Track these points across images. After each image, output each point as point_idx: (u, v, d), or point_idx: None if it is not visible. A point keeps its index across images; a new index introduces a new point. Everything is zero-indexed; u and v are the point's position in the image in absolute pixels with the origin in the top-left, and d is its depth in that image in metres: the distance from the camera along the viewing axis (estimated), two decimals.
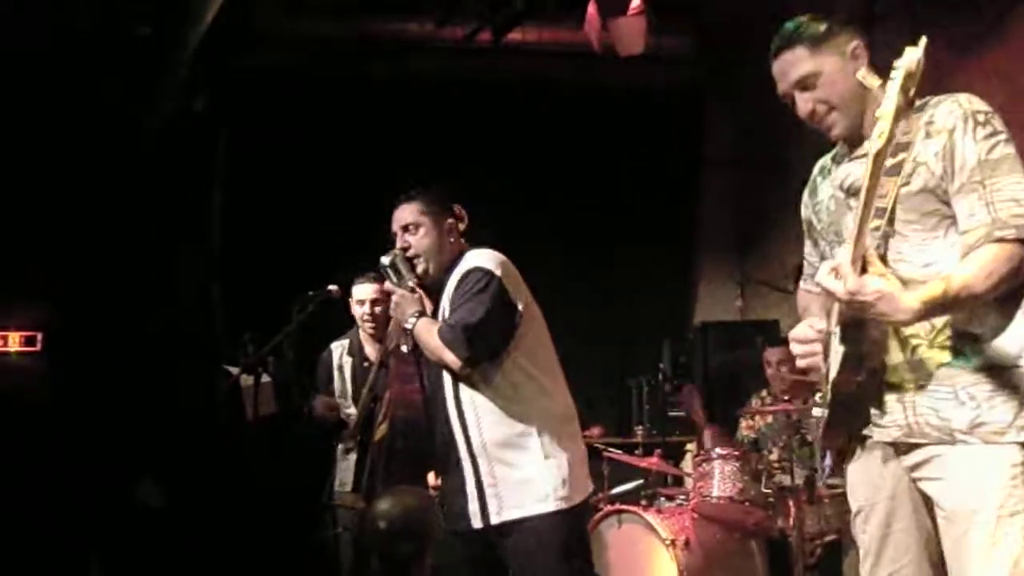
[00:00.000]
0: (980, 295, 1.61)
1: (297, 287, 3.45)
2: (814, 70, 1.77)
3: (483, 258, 2.43)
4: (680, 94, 6.44)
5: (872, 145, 1.52)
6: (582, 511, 2.44)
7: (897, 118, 1.51)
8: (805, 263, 2.14)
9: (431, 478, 2.59)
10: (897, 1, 4.71)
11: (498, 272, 2.40)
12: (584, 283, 5.76)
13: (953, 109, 1.70)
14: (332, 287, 3.47)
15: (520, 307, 2.40)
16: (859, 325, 1.69)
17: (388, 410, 3.21)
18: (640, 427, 4.66)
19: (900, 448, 1.75)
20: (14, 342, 4.82)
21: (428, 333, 2.38)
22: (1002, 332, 1.67)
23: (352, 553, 3.21)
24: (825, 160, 2.00)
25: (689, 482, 4.07)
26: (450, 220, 2.53)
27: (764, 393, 4.38)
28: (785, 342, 4.73)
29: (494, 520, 2.31)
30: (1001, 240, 1.61)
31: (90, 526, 4.06)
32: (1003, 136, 1.70)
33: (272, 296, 3.57)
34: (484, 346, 2.32)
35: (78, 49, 4.69)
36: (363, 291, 3.58)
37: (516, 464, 2.32)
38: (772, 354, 4.35)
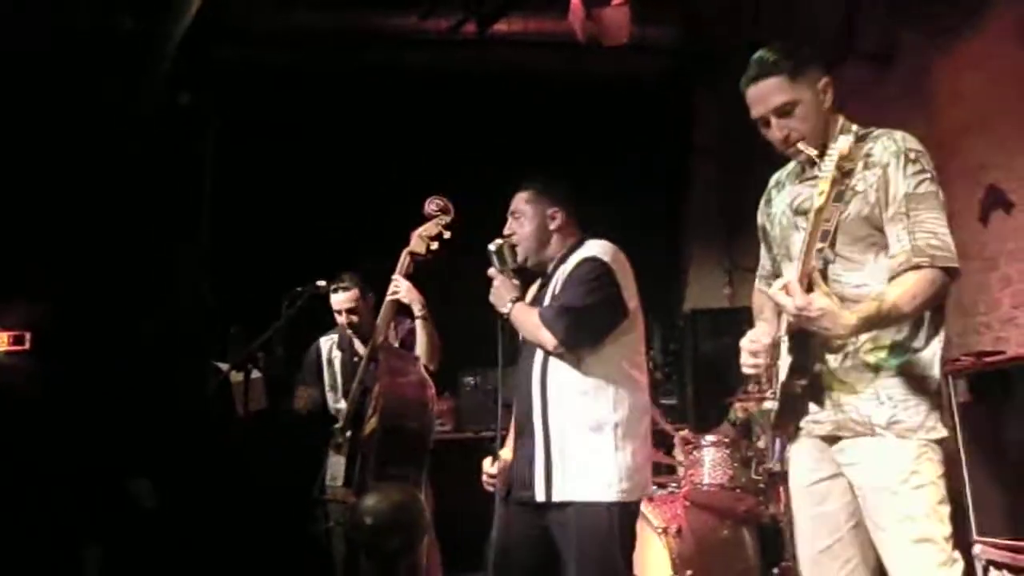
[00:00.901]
0: (907, 314, 1.88)
1: (286, 282, 3.45)
2: (793, 99, 1.99)
3: (600, 249, 2.48)
4: (668, 83, 6.44)
5: (815, 201, 1.78)
6: (636, 509, 2.48)
7: (832, 187, 1.75)
8: (760, 264, 2.36)
9: (487, 463, 2.59)
10: None
11: (614, 266, 2.45)
12: None
13: (889, 145, 1.95)
14: (321, 282, 3.47)
15: (629, 303, 2.46)
16: (804, 337, 1.94)
17: (378, 403, 3.21)
18: None
19: (830, 440, 2.03)
20: (2, 341, 4.80)
21: (525, 315, 2.45)
22: (920, 345, 1.95)
23: (344, 547, 3.21)
24: (780, 174, 2.25)
25: (680, 470, 4.09)
26: (553, 210, 2.56)
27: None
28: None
29: (556, 497, 2.35)
30: (918, 267, 1.87)
31: (82, 525, 4.06)
32: (929, 175, 1.94)
33: (262, 291, 3.57)
34: (582, 332, 2.37)
35: (63, 45, 4.65)
36: (337, 301, 3.58)
37: (588, 448, 2.36)
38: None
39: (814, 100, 2.00)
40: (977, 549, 2.99)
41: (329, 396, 3.63)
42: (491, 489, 2.56)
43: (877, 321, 1.87)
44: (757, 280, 2.37)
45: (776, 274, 2.23)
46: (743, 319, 5.56)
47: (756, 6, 5.82)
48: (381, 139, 5.60)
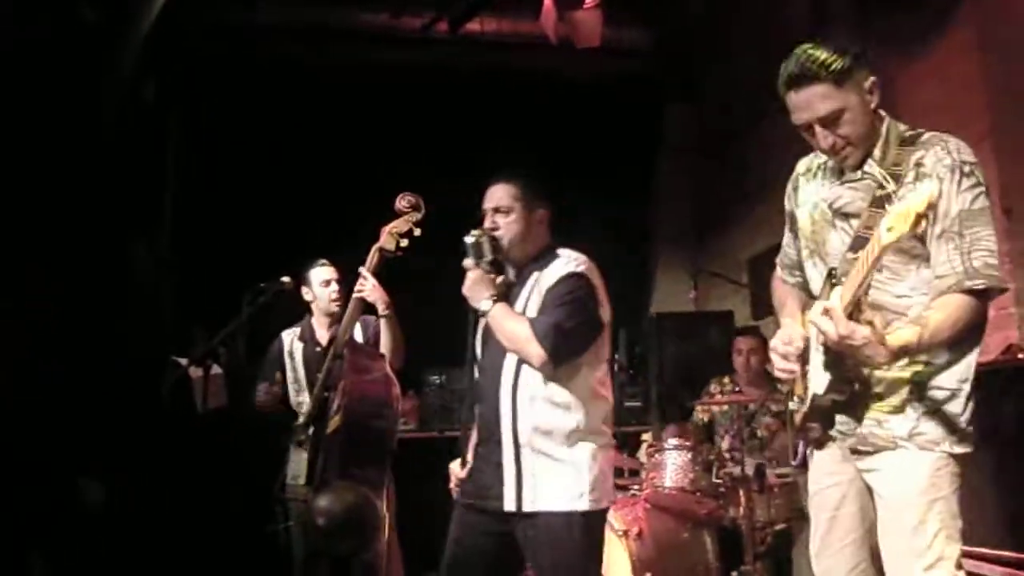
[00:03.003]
0: (946, 341, 1.84)
1: (249, 278, 3.41)
2: (840, 107, 1.85)
3: (582, 264, 2.46)
4: (639, 86, 6.48)
5: (884, 237, 1.62)
6: (605, 516, 2.48)
7: (910, 227, 1.60)
8: (783, 252, 2.26)
9: (455, 465, 2.56)
10: (847, 4, 4.80)
11: (594, 282, 2.45)
12: None
13: (943, 157, 1.86)
14: (285, 278, 3.44)
15: (603, 319, 2.46)
16: (842, 359, 1.89)
17: (342, 401, 3.18)
18: None
19: (854, 451, 2.02)
20: None
21: (509, 319, 2.40)
22: (948, 365, 1.91)
23: (304, 546, 3.18)
24: (810, 161, 2.12)
25: (642, 473, 4.11)
26: (542, 211, 2.54)
27: (726, 380, 4.43)
28: (740, 332, 4.81)
29: (527, 508, 2.34)
30: (970, 291, 1.82)
31: (31, 524, 3.96)
32: (984, 189, 1.86)
33: (223, 287, 3.52)
34: (569, 350, 2.37)
35: (24, 38, 4.55)
36: (325, 272, 3.61)
37: (558, 457, 2.35)
38: (743, 343, 4.36)
39: (861, 104, 1.88)
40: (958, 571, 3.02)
41: (291, 389, 3.59)
42: (457, 492, 2.54)
43: (916, 350, 1.83)
44: (778, 268, 2.28)
45: (800, 266, 2.16)
46: (708, 323, 5.65)
47: (728, 12, 5.89)
48: (349, 136, 5.56)
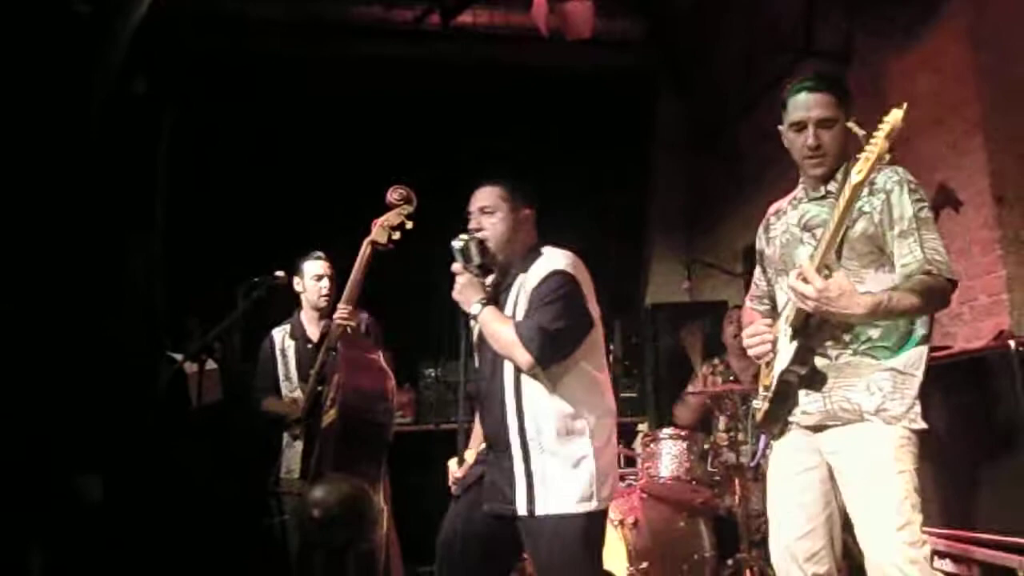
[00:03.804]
0: (916, 306, 2.07)
1: (242, 271, 3.41)
2: (835, 117, 2.22)
3: (565, 261, 2.44)
4: (632, 78, 6.48)
5: (853, 179, 1.95)
6: (607, 511, 2.48)
7: (879, 159, 1.91)
8: (753, 285, 2.56)
9: (452, 464, 2.58)
10: None
11: (578, 277, 2.44)
12: None
13: (892, 176, 2.19)
14: (279, 273, 3.44)
15: (593, 314, 2.45)
16: (808, 329, 2.16)
17: (337, 395, 3.18)
18: None
19: (818, 429, 2.23)
20: None
21: (497, 323, 2.40)
22: (911, 346, 2.18)
23: (298, 540, 3.19)
24: (781, 204, 2.45)
25: (638, 462, 4.13)
26: (527, 212, 2.54)
27: (716, 361, 4.44)
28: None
29: (539, 511, 2.33)
30: (930, 272, 2.10)
31: (28, 521, 3.97)
32: (927, 203, 2.20)
33: (216, 280, 3.52)
34: (557, 350, 2.36)
35: (15, 30, 4.52)
36: (318, 266, 3.61)
37: (567, 458, 2.35)
38: (735, 313, 4.30)
39: (843, 129, 2.21)
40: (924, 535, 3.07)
41: (283, 386, 3.58)
42: (457, 492, 2.55)
43: (889, 308, 2.05)
44: (748, 300, 2.57)
45: (770, 295, 2.46)
46: (702, 313, 5.66)
47: (719, 4, 5.88)
48: (341, 129, 5.55)
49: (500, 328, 2.38)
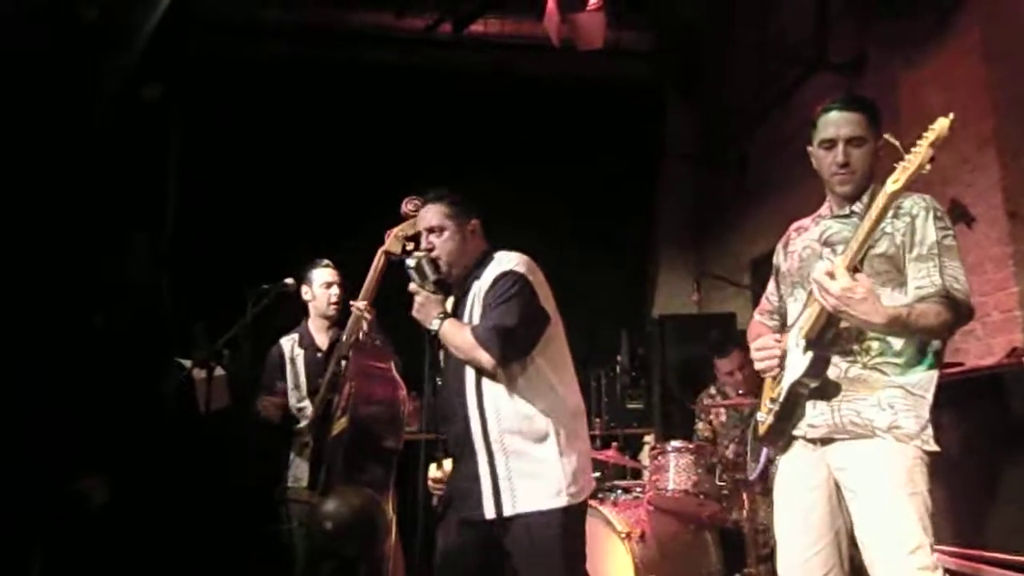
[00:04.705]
0: (932, 327, 2.07)
1: (250, 277, 3.40)
2: (865, 136, 2.23)
3: (515, 262, 2.49)
4: (641, 89, 6.48)
5: (888, 187, 1.95)
6: (585, 508, 2.50)
7: (919, 168, 1.90)
8: (764, 299, 2.54)
9: (432, 469, 2.61)
10: (847, 8, 4.79)
11: (530, 277, 2.48)
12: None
13: (919, 201, 2.20)
14: (288, 280, 3.43)
15: (547, 308, 2.49)
16: (824, 341, 2.14)
17: (347, 404, 3.17)
18: (598, 419, 4.68)
19: (825, 442, 2.19)
20: None
21: (456, 333, 2.45)
22: (922, 367, 2.15)
23: (305, 548, 3.17)
24: (804, 221, 2.44)
25: (645, 475, 4.11)
26: (473, 222, 2.59)
27: (713, 391, 4.42)
28: (739, 345, 4.81)
29: (507, 512, 2.36)
30: (948, 298, 2.09)
31: (32, 524, 3.96)
32: (953, 232, 2.20)
33: (224, 286, 3.52)
34: (517, 347, 2.40)
35: (25, 35, 4.55)
36: (327, 274, 3.60)
37: (531, 458, 2.38)
38: (723, 365, 4.31)
39: (872, 151, 2.25)
40: (934, 557, 3.05)
41: (292, 396, 3.57)
42: (436, 494, 2.59)
43: (907, 323, 2.04)
44: (757, 314, 2.54)
45: (781, 311, 2.44)
46: (710, 326, 5.65)
47: (730, 16, 5.89)
48: (352, 136, 5.56)
49: (460, 337, 2.44)
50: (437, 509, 2.54)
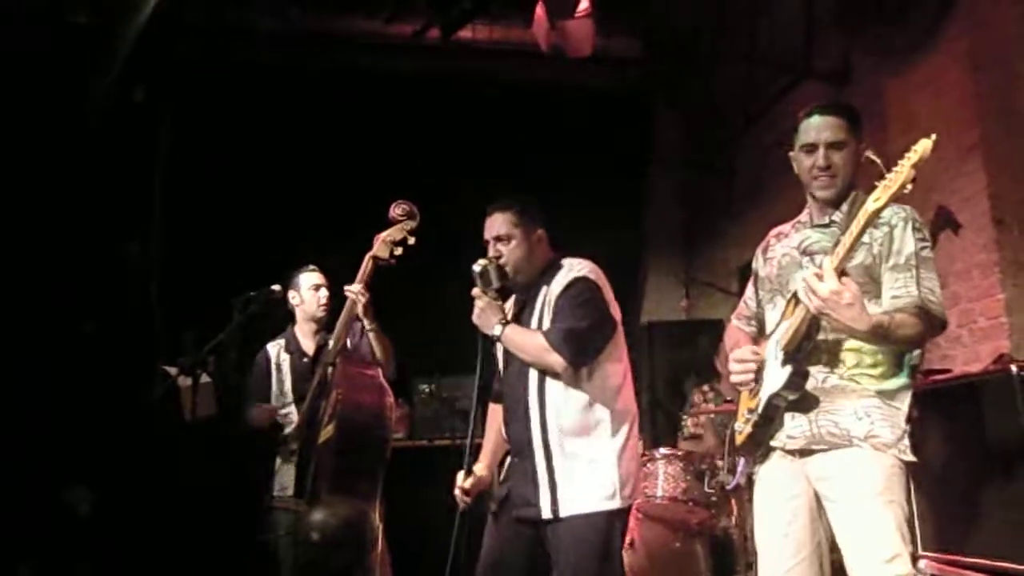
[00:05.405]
0: (909, 336, 2.08)
1: (239, 285, 3.38)
2: (846, 140, 2.23)
3: (586, 269, 2.56)
4: (629, 96, 6.49)
5: (870, 205, 1.93)
6: (629, 512, 2.55)
7: (901, 188, 1.87)
8: (742, 304, 2.53)
9: (460, 477, 2.60)
10: (835, 18, 4.82)
11: (600, 283, 2.55)
12: None
13: (898, 211, 2.18)
14: (275, 287, 3.41)
15: (615, 316, 2.55)
16: (802, 353, 2.14)
17: (335, 411, 3.15)
18: None
19: (803, 453, 2.18)
20: None
21: (523, 337, 2.51)
22: (897, 379, 2.16)
23: (292, 558, 3.14)
24: (783, 228, 2.44)
25: None
26: (539, 231, 2.64)
27: (706, 388, 4.44)
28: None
29: (563, 512, 2.40)
30: (923, 309, 2.09)
31: (18, 533, 3.91)
32: (930, 244, 2.20)
33: (213, 293, 3.49)
34: (587, 351, 2.46)
35: (13, 38, 4.52)
36: (315, 277, 3.59)
37: (589, 460, 2.43)
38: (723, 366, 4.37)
39: (854, 156, 2.25)
40: (922, 564, 3.05)
41: (278, 401, 3.53)
42: (462, 504, 2.57)
43: (887, 332, 2.04)
44: (734, 318, 2.54)
45: (759, 316, 2.43)
46: (699, 332, 5.66)
47: (719, 23, 5.91)
48: (340, 142, 5.54)
49: (526, 340, 2.49)
50: (490, 508, 2.57)
